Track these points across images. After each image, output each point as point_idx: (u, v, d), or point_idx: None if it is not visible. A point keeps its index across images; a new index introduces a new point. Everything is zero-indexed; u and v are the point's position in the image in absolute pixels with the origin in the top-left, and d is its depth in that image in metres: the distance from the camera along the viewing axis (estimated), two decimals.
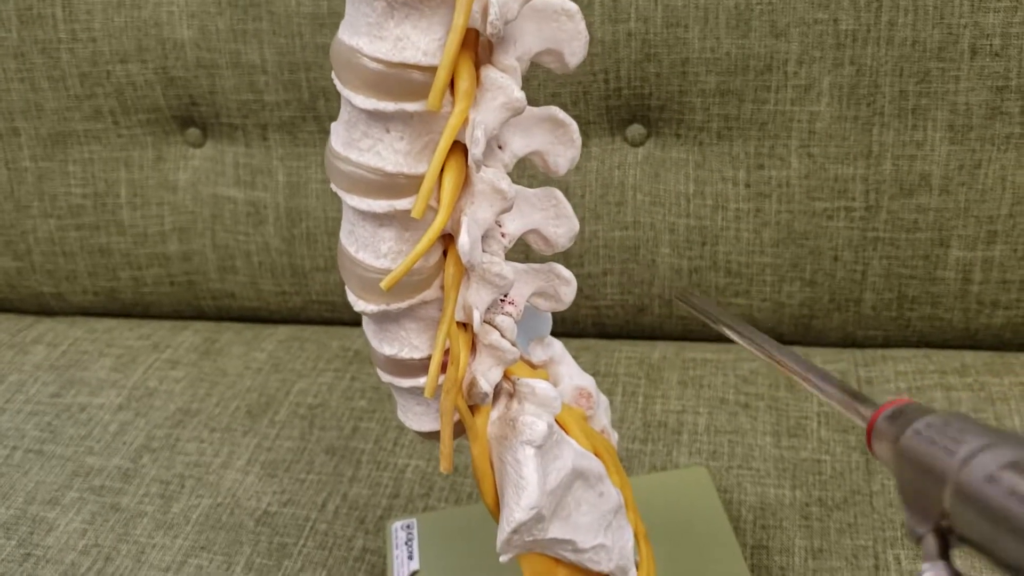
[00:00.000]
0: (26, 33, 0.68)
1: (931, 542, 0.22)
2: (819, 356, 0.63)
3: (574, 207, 0.65)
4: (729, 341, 0.67)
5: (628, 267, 0.65)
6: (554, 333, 0.69)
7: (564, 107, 0.63)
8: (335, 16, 0.63)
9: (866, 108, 0.59)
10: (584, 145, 0.64)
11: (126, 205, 0.72)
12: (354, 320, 0.73)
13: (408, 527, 0.52)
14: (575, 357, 0.65)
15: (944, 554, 0.22)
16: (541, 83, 0.62)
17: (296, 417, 0.63)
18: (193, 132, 0.71)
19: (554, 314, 0.68)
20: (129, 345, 0.72)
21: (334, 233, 0.69)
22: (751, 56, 0.59)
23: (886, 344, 0.65)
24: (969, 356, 0.62)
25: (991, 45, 0.56)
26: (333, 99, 0.66)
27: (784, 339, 0.66)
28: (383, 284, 0.31)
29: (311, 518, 0.55)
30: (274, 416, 0.63)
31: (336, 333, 0.71)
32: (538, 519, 0.34)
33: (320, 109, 0.66)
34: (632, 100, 0.62)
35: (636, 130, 0.64)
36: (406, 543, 0.51)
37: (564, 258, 0.66)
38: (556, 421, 0.38)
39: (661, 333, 0.68)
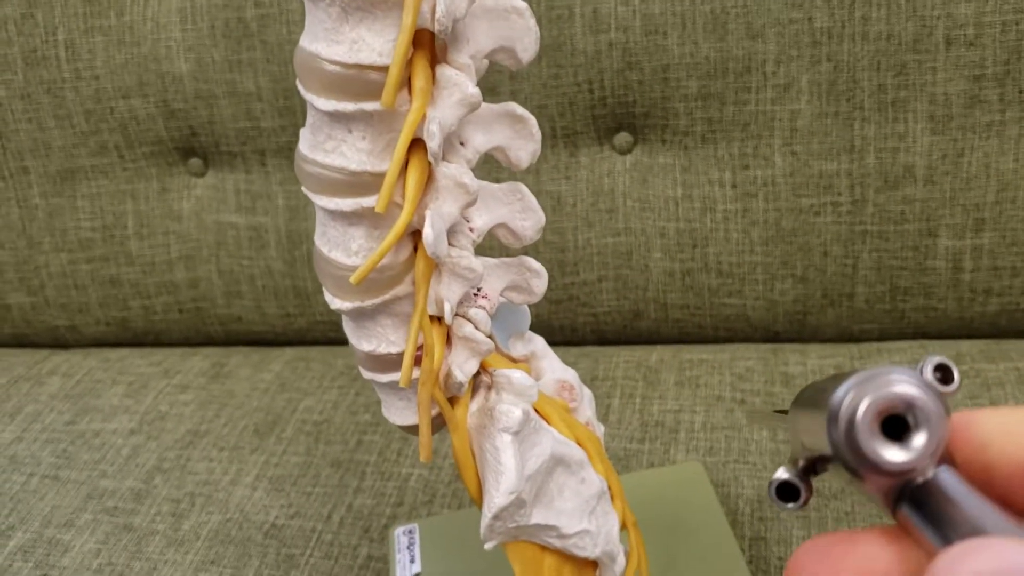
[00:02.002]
0: (31, 74, 0.71)
1: (800, 463, 0.24)
2: (816, 352, 0.64)
3: (566, 216, 0.66)
4: (726, 341, 0.67)
5: (622, 273, 0.66)
6: (553, 342, 0.70)
7: (551, 118, 0.64)
8: None
9: (846, 103, 0.60)
10: (573, 155, 0.66)
11: (133, 236, 0.74)
12: None
13: (410, 532, 0.53)
14: (574, 364, 0.66)
15: (807, 472, 0.23)
16: (528, 96, 0.64)
17: (302, 433, 0.64)
18: (195, 162, 0.73)
19: (552, 323, 0.69)
20: (141, 372, 0.74)
21: None
22: (729, 59, 0.60)
23: (882, 337, 0.65)
24: (965, 344, 0.62)
25: (965, 35, 0.57)
26: None
27: (780, 337, 0.66)
28: (352, 279, 0.32)
29: (317, 529, 0.56)
30: (281, 433, 0.64)
31: (341, 352, 0.73)
32: (519, 504, 0.35)
33: None
34: (617, 108, 0.63)
35: (623, 138, 0.65)
36: (408, 547, 0.52)
37: (559, 266, 0.67)
38: (538, 413, 0.39)
39: (658, 337, 0.68)
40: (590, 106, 0.64)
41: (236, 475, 0.62)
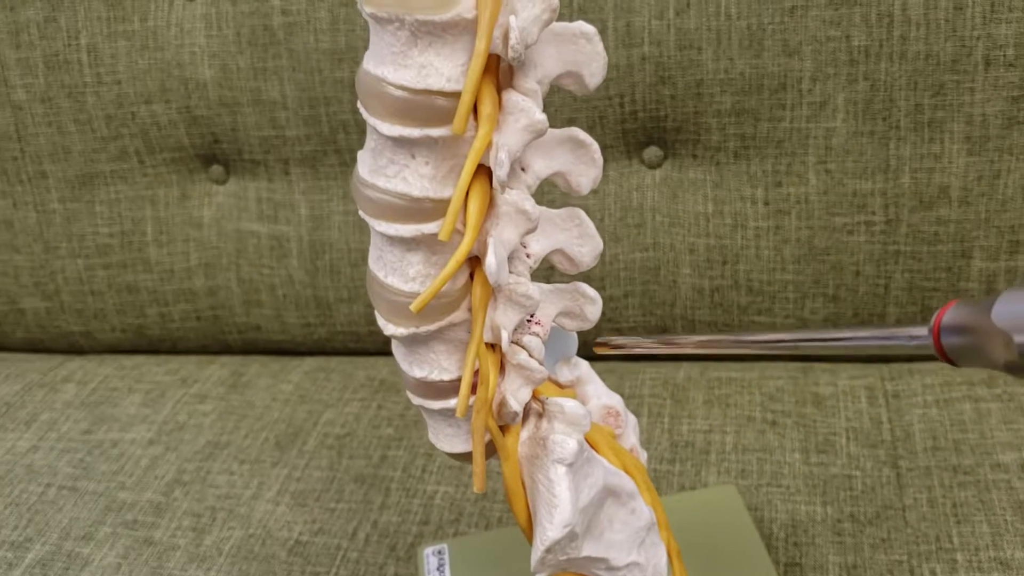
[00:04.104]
0: (53, 78, 0.70)
1: None
2: (846, 372, 0.63)
3: None
4: (755, 358, 0.67)
5: (649, 289, 0.66)
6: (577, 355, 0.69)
7: None
8: (352, 51, 0.64)
9: (882, 123, 0.59)
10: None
11: (152, 243, 0.73)
12: (379, 350, 0.74)
13: (440, 552, 0.52)
14: None
15: None
16: (557, 109, 0.63)
17: (324, 447, 0.63)
18: (216, 169, 0.72)
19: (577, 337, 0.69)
20: (158, 381, 0.73)
21: (357, 264, 0.70)
22: (765, 75, 0.59)
23: (913, 358, 0.64)
24: None
25: (1004, 56, 0.56)
26: (353, 132, 0.67)
27: (809, 356, 0.66)
28: (412, 306, 0.31)
29: (342, 547, 0.56)
30: (303, 446, 0.64)
31: (361, 363, 0.72)
32: (571, 537, 0.35)
33: (340, 143, 0.68)
34: (648, 123, 0.63)
35: (653, 152, 0.64)
36: (438, 568, 0.51)
37: (585, 281, 0.66)
38: (586, 440, 0.38)
39: (685, 354, 0.68)
40: (620, 120, 0.63)
41: (258, 489, 0.61)
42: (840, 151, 0.60)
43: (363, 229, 0.69)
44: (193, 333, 0.76)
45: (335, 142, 0.68)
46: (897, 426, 0.58)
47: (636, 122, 0.63)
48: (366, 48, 0.64)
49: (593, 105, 0.63)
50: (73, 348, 0.80)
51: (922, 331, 0.25)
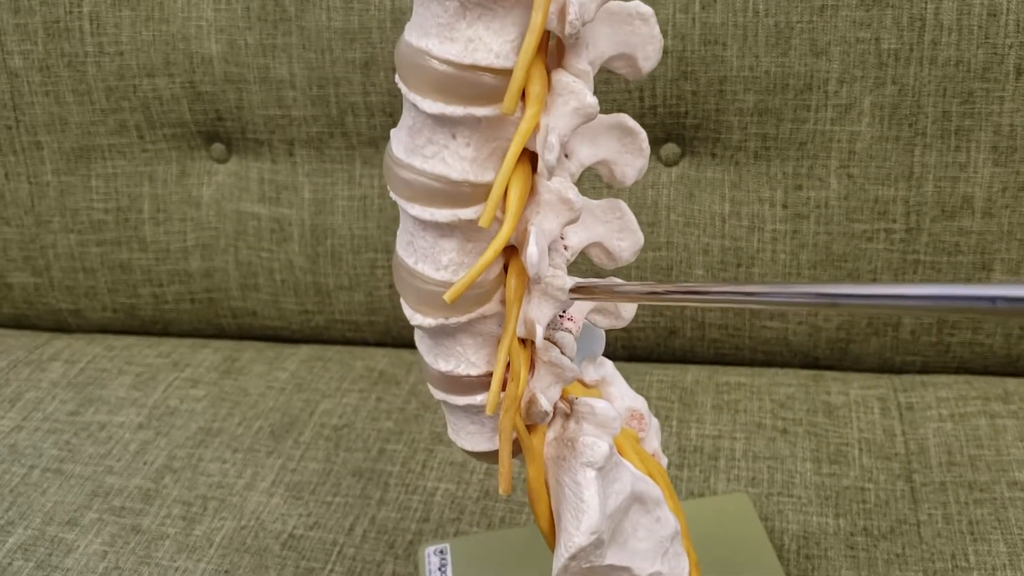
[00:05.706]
0: (52, 46, 0.67)
1: None
2: (858, 382, 0.62)
3: None
4: (763, 364, 0.65)
5: None
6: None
7: None
8: (366, 31, 0.62)
9: (908, 129, 0.58)
10: None
11: (148, 221, 0.71)
12: (378, 340, 0.72)
13: (441, 552, 0.50)
14: None
15: None
16: None
17: (321, 438, 0.61)
18: (218, 147, 0.70)
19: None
20: (148, 363, 0.70)
21: (360, 251, 0.68)
22: (790, 75, 0.58)
23: (924, 370, 0.63)
24: (1012, 383, 0.60)
25: None
26: (362, 115, 0.65)
27: (820, 364, 0.64)
28: (447, 296, 0.29)
29: (339, 542, 0.54)
30: (298, 437, 0.62)
31: (360, 353, 0.70)
32: (597, 544, 0.33)
33: (348, 125, 0.66)
34: (667, 119, 0.61)
35: (670, 149, 0.63)
36: (440, 569, 0.49)
37: (594, 278, 0.65)
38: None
39: (692, 356, 0.66)
40: (639, 114, 0.61)
41: (251, 479, 0.59)
42: (864, 156, 0.59)
43: (367, 215, 0.67)
44: (187, 315, 0.74)
45: (343, 124, 0.66)
46: (911, 439, 0.56)
47: (655, 117, 0.61)
48: (380, 29, 0.62)
49: (612, 98, 0.61)
50: (61, 326, 0.77)
51: (1020, 291, 0.20)
